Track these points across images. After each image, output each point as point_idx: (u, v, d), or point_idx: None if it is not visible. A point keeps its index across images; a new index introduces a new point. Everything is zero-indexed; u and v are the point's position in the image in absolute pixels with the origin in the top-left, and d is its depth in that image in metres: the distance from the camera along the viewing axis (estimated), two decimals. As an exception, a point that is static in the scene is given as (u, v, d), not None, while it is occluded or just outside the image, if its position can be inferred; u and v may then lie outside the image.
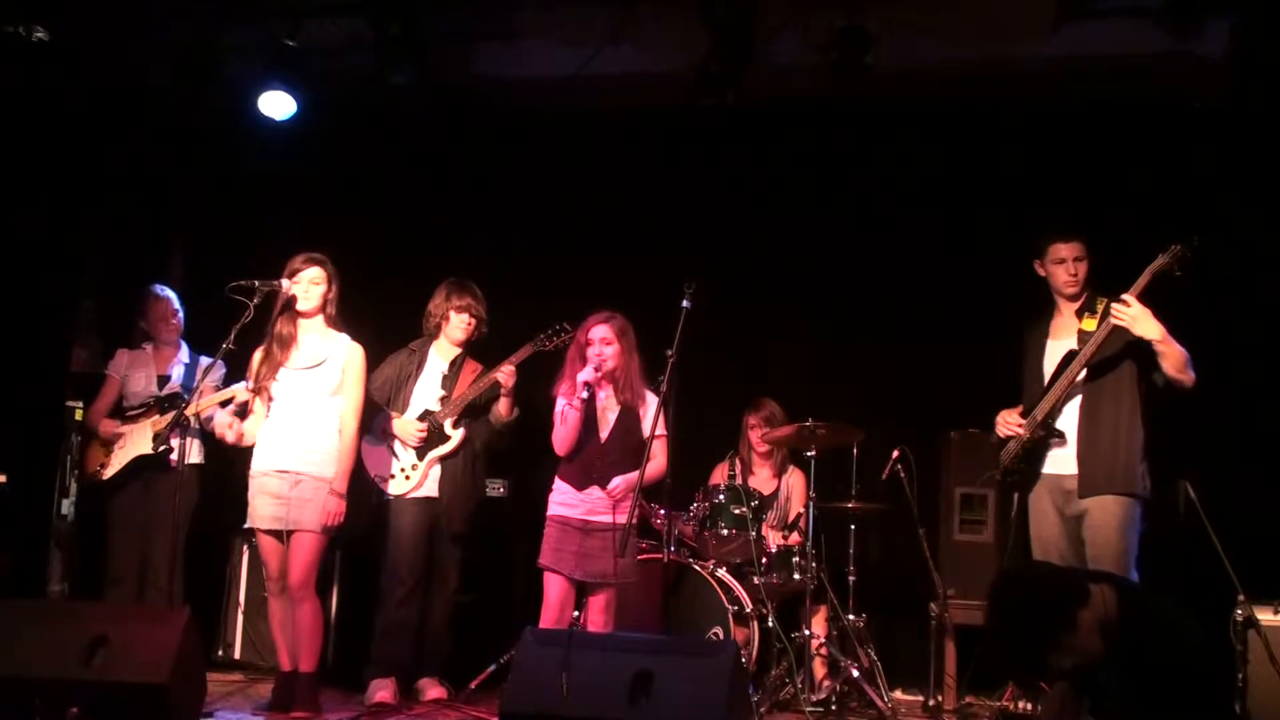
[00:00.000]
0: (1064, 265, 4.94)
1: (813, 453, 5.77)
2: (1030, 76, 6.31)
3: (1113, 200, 6.33)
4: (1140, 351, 4.75)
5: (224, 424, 5.38)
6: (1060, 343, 4.97)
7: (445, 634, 5.79)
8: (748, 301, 6.76)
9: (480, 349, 5.90)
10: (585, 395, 4.94)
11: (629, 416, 5.07)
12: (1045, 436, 4.89)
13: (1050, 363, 4.96)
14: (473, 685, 5.67)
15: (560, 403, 5.05)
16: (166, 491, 5.61)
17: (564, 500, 5.05)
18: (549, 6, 6.33)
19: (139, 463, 5.89)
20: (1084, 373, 4.83)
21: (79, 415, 6.17)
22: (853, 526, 5.92)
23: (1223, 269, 5.89)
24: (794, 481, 6.36)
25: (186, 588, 5.58)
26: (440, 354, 5.85)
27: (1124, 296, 4.65)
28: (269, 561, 5.23)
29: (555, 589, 4.97)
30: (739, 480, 5.96)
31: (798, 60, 6.10)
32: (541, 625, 4.95)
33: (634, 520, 4.84)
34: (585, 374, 4.95)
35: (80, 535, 6.31)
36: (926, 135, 6.63)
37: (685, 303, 5.07)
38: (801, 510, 5.99)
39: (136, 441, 5.93)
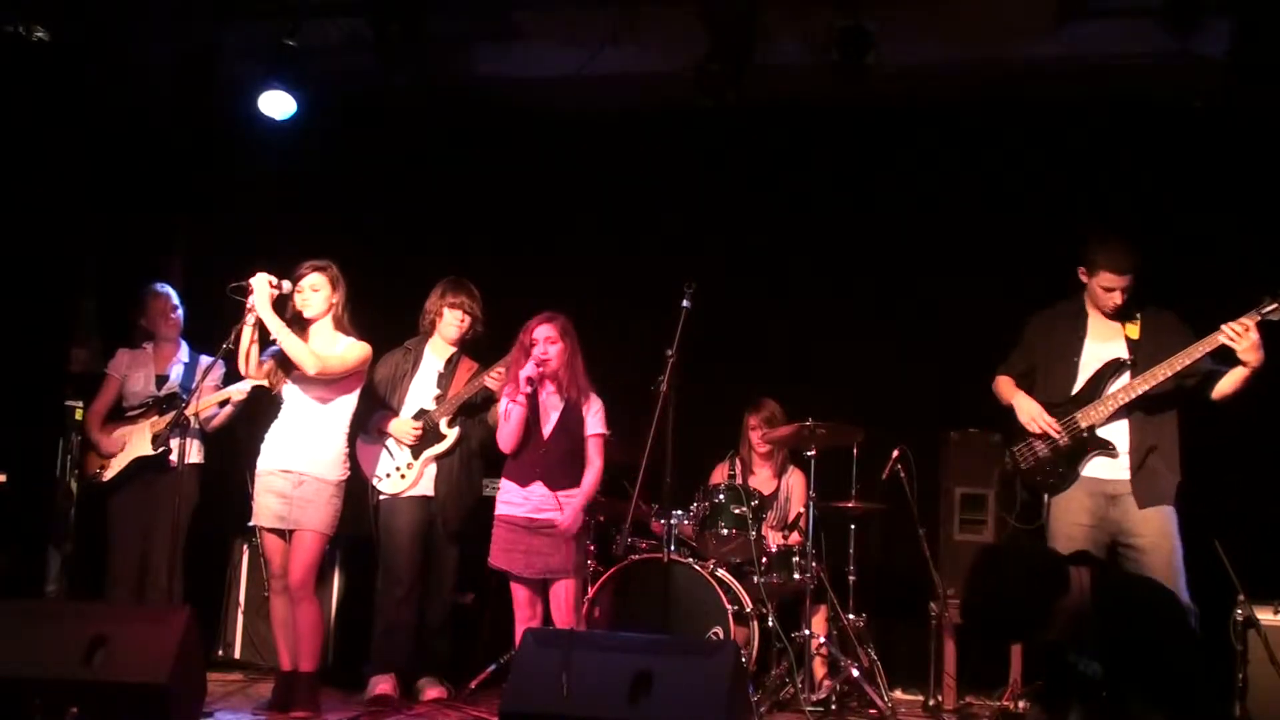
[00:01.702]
0: (1111, 294, 4.85)
1: (813, 453, 5.77)
2: (1030, 76, 6.31)
3: (1112, 200, 6.33)
4: (1188, 371, 4.72)
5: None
6: (1104, 346, 4.91)
7: (444, 633, 5.80)
8: (748, 301, 6.76)
9: (479, 348, 5.90)
10: (529, 390, 5.04)
11: (572, 414, 5.15)
12: (1084, 447, 4.82)
13: (1087, 364, 4.91)
14: (473, 685, 5.68)
15: (504, 402, 5.14)
16: (166, 492, 5.61)
17: (509, 499, 5.15)
18: (549, 6, 6.33)
19: (139, 463, 5.89)
20: (1146, 386, 4.77)
21: (79, 415, 6.16)
22: (853, 526, 5.92)
23: (1222, 269, 5.90)
24: (794, 481, 6.36)
25: (186, 588, 5.58)
26: (436, 352, 5.85)
27: (1244, 320, 4.58)
28: (271, 560, 5.25)
29: (519, 590, 5.11)
30: (739, 480, 5.97)
31: (798, 60, 6.10)
32: (517, 625, 5.05)
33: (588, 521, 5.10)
34: (527, 370, 5.04)
35: (80, 535, 6.31)
36: (926, 135, 6.63)
37: (685, 303, 5.08)
38: (801, 510, 5.99)
39: (136, 443, 5.93)
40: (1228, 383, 4.70)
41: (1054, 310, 5.10)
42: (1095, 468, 4.83)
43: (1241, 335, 4.58)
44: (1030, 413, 4.94)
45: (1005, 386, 5.11)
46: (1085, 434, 4.83)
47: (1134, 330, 4.86)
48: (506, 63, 6.59)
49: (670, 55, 6.09)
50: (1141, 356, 4.81)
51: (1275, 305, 4.61)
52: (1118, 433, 4.83)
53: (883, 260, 6.73)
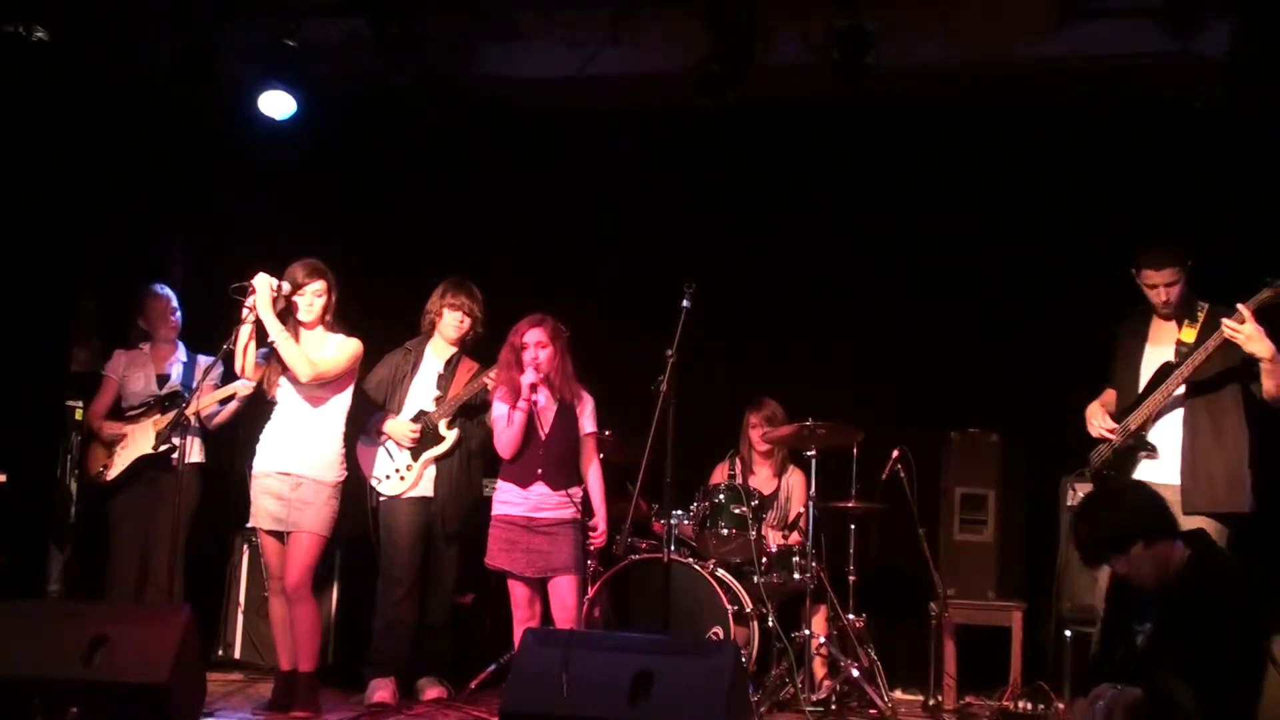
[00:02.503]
0: (1156, 290, 4.84)
1: (813, 453, 5.77)
2: (1030, 76, 6.31)
3: (1112, 200, 6.33)
4: (1243, 364, 4.69)
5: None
6: (1159, 350, 4.90)
7: (444, 634, 5.80)
8: (748, 301, 6.76)
9: (479, 348, 5.90)
10: (534, 398, 5.07)
11: (567, 415, 5.18)
12: (1136, 447, 4.83)
13: (1146, 369, 4.90)
14: (473, 685, 5.68)
15: (500, 407, 5.15)
16: (168, 491, 5.60)
17: (507, 499, 5.15)
18: (549, 6, 6.33)
19: (141, 463, 5.89)
20: (1183, 386, 4.76)
21: (79, 415, 6.17)
22: (853, 526, 5.92)
23: (1222, 269, 5.89)
24: (794, 481, 6.35)
25: (186, 588, 5.58)
26: (436, 353, 5.85)
27: (1240, 309, 4.56)
28: (270, 561, 5.26)
29: (518, 589, 5.12)
30: (739, 480, 5.96)
31: (798, 60, 6.10)
32: (515, 625, 5.08)
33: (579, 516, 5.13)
34: (528, 377, 5.05)
35: (80, 535, 6.31)
36: (926, 135, 6.63)
37: (685, 303, 5.08)
38: (801, 510, 5.98)
39: (139, 442, 5.93)
40: (1264, 381, 4.64)
41: (1131, 319, 5.09)
42: (1144, 470, 4.82)
43: (1238, 327, 4.56)
44: (1089, 414, 4.98)
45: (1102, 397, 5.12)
46: (1134, 437, 4.83)
47: (1189, 333, 4.82)
48: (506, 63, 6.59)
49: (670, 55, 6.09)
50: (1186, 362, 4.78)
51: (1269, 292, 4.59)
52: (1169, 436, 4.81)
53: (883, 260, 6.73)
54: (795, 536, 5.99)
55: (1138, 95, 6.27)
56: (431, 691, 5.62)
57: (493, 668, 5.69)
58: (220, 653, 6.27)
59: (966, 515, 6.12)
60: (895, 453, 5.83)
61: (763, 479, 6.33)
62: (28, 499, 5.99)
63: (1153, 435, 4.83)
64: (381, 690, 5.45)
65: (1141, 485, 3.91)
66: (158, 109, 6.66)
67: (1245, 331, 4.56)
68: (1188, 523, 4.67)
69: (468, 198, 7.07)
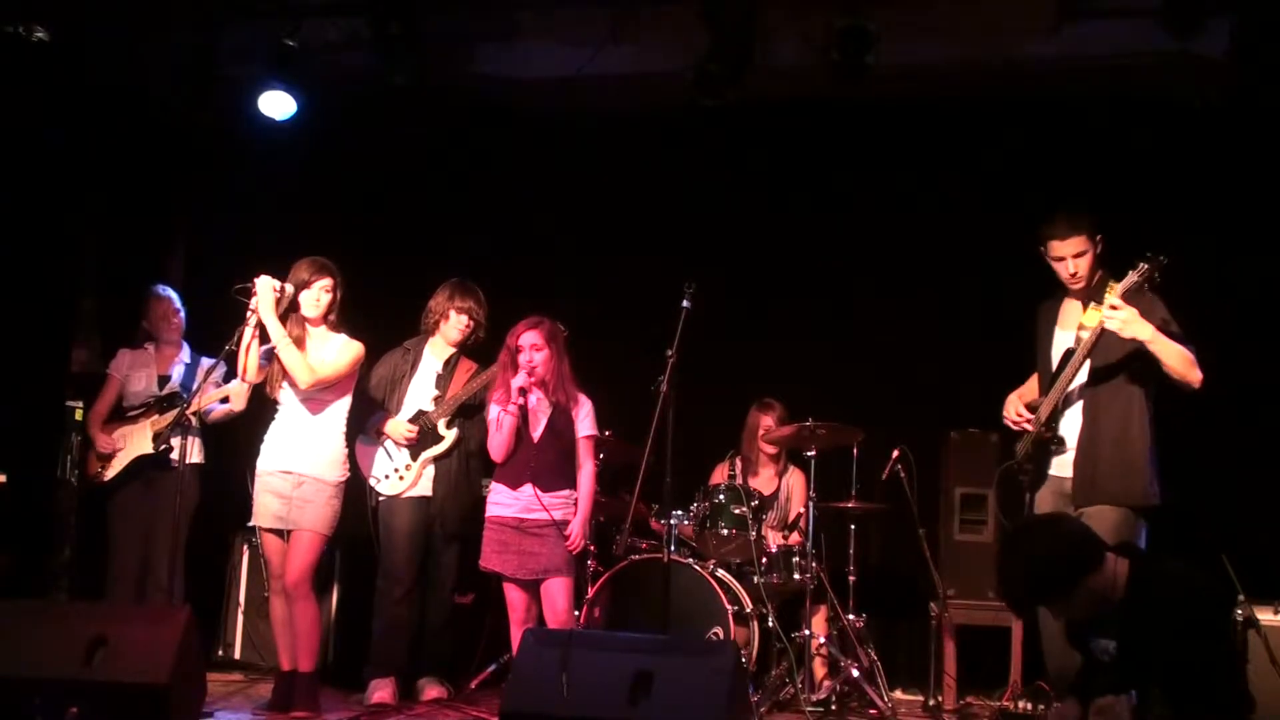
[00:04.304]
0: (1062, 263, 4.71)
1: (813, 453, 5.77)
2: (1030, 76, 6.31)
3: (1112, 200, 6.32)
4: (1144, 350, 4.52)
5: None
6: (1065, 333, 4.76)
7: (444, 634, 5.80)
8: (748, 301, 6.76)
9: (476, 348, 5.90)
10: (521, 401, 5.07)
11: (561, 417, 5.17)
12: (1049, 439, 4.70)
13: (1055, 354, 4.78)
14: (473, 685, 5.68)
15: (494, 410, 5.15)
16: (167, 491, 5.61)
17: (499, 500, 5.18)
18: (549, 6, 6.34)
19: (139, 463, 5.90)
20: (1085, 374, 4.63)
21: (79, 415, 6.17)
22: (853, 526, 5.92)
23: (1222, 269, 5.90)
24: (794, 481, 6.36)
25: (186, 588, 5.59)
26: (435, 353, 5.85)
27: (1112, 300, 4.42)
28: (271, 560, 5.26)
29: (513, 591, 5.14)
30: (739, 480, 5.96)
31: (798, 60, 6.11)
32: (512, 626, 5.10)
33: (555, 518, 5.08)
34: (519, 380, 5.06)
35: (80, 535, 6.31)
36: (926, 135, 6.63)
37: (685, 303, 5.09)
38: (801, 510, 5.99)
39: (137, 442, 5.93)
40: (1162, 363, 4.48)
41: (1044, 304, 4.97)
42: (1055, 465, 4.71)
43: (1114, 314, 4.39)
44: (1006, 405, 4.87)
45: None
46: (1044, 429, 4.70)
47: (1092, 316, 4.59)
48: (506, 63, 6.59)
49: (670, 55, 6.09)
50: (1080, 348, 4.62)
51: (1135, 275, 4.44)
52: (1071, 428, 4.67)
53: (883, 260, 6.73)
54: (795, 536, 5.99)
55: (1138, 95, 6.27)
56: (431, 691, 5.62)
57: (493, 668, 5.70)
58: (220, 653, 6.28)
59: (966, 515, 6.12)
60: (895, 453, 5.83)
61: (764, 479, 6.33)
62: (28, 499, 5.99)
63: (1062, 426, 4.68)
64: (381, 690, 5.44)
65: (1052, 530, 3.76)
66: (158, 109, 6.67)
67: (1121, 317, 4.38)
68: (1083, 512, 4.50)
69: (467, 198, 7.07)
